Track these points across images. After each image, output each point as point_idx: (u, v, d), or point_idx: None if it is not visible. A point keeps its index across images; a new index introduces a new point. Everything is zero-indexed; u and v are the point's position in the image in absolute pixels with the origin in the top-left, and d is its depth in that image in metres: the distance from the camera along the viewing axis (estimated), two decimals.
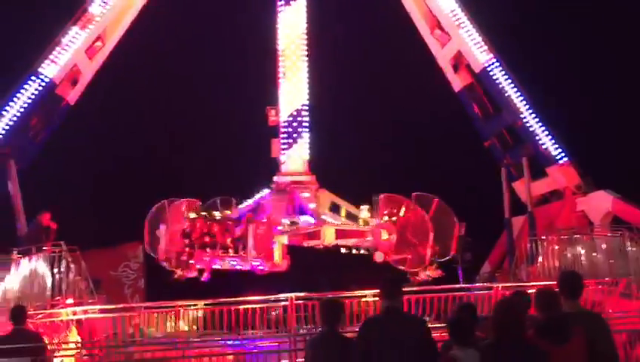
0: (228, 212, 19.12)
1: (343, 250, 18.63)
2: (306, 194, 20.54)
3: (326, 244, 18.42)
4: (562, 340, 5.56)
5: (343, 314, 6.76)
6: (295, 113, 20.87)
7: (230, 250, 18.39)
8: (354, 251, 18.62)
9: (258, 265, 18.31)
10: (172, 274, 18.19)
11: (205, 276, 18.32)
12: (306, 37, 21.23)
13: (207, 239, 18.30)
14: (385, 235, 18.02)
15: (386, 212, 18.20)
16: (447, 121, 26.37)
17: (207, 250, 18.24)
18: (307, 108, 21.01)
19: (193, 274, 18.19)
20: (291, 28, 21.13)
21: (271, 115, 21.12)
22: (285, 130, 20.92)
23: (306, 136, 20.96)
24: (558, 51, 29.54)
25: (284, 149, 20.92)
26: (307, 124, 20.99)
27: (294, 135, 20.84)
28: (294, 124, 20.86)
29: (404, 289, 6.48)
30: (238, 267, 18.57)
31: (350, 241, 18.58)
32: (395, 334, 5.97)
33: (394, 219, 18.04)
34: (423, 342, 6.05)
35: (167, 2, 23.67)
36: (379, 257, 17.99)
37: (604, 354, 5.69)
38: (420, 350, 5.95)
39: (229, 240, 18.40)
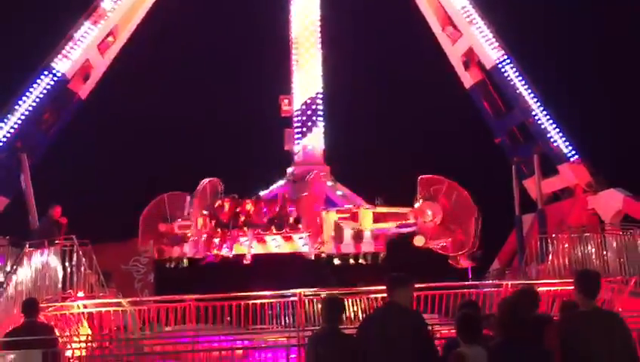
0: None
1: (336, 261, 18.20)
2: (330, 183, 19.91)
3: (362, 228, 17.78)
4: (538, 339, 5.68)
5: (344, 311, 6.85)
6: (309, 101, 20.17)
7: (273, 228, 17.74)
8: (351, 261, 18.17)
9: (304, 244, 17.69)
10: (200, 261, 17.91)
11: (248, 259, 17.67)
12: (319, 24, 20.60)
13: (241, 219, 17.71)
14: (429, 216, 17.14)
15: (420, 195, 17.45)
16: (458, 117, 26.28)
17: (246, 229, 17.63)
18: (322, 96, 20.28)
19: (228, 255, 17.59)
20: (305, 15, 20.52)
21: (284, 105, 20.41)
22: (299, 118, 20.16)
23: (321, 125, 20.22)
24: (570, 48, 29.38)
25: (298, 138, 20.19)
26: (322, 113, 20.25)
27: (309, 123, 20.14)
28: (309, 113, 20.15)
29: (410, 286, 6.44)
30: (275, 248, 17.88)
31: (389, 225, 17.88)
32: (390, 329, 6.02)
33: (434, 200, 17.34)
34: (417, 336, 6.08)
35: None
36: (419, 241, 17.19)
37: (622, 352, 5.74)
38: (414, 344, 5.98)
39: (265, 220, 17.83)
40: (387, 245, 18.46)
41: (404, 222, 17.81)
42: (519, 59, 22.31)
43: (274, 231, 17.84)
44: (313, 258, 18.11)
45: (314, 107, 20.23)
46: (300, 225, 17.83)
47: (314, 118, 20.24)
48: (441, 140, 28.34)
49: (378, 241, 18.29)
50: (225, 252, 17.86)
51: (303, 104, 20.23)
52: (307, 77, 20.29)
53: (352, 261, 18.25)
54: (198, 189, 17.88)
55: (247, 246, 17.73)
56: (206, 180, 18.17)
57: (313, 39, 20.49)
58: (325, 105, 20.61)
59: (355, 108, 27.22)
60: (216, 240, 17.81)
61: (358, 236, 17.95)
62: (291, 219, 18.00)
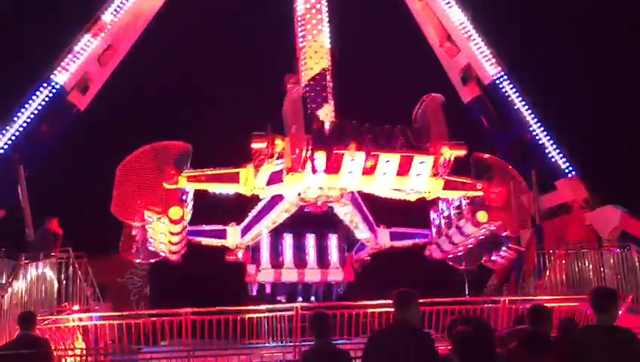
0: None
1: None
2: None
3: (430, 197, 15.20)
4: (539, 352, 5.79)
5: (331, 325, 6.85)
6: (318, 77, 18.77)
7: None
8: None
9: (418, 174, 13.96)
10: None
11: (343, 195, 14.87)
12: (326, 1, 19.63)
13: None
14: (496, 190, 15.15)
15: (476, 173, 15.60)
16: (456, 130, 26.23)
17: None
18: (330, 71, 18.98)
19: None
20: None
21: (290, 84, 18.59)
22: (307, 95, 18.35)
23: (331, 102, 18.68)
24: (568, 64, 29.52)
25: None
26: (331, 89, 18.83)
27: (318, 99, 18.52)
28: (317, 88, 18.64)
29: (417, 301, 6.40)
30: (382, 178, 13.85)
31: (458, 194, 15.54)
32: (397, 347, 5.97)
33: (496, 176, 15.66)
34: (425, 355, 6.05)
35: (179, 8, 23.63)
36: (482, 217, 15.06)
37: None
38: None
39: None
40: None
41: (471, 191, 15.34)
42: (517, 75, 22.46)
43: (393, 148, 13.77)
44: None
45: (323, 83, 18.78)
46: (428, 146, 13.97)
47: (323, 93, 18.72)
48: None
49: None
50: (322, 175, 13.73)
51: (311, 79, 18.76)
52: (314, 54, 18.86)
53: None
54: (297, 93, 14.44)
55: (349, 171, 13.65)
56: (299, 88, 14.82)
57: (320, 16, 19.33)
58: (335, 83, 19.26)
59: (365, 85, 26.66)
60: (321, 159, 13.45)
61: None
62: None
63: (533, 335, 6.69)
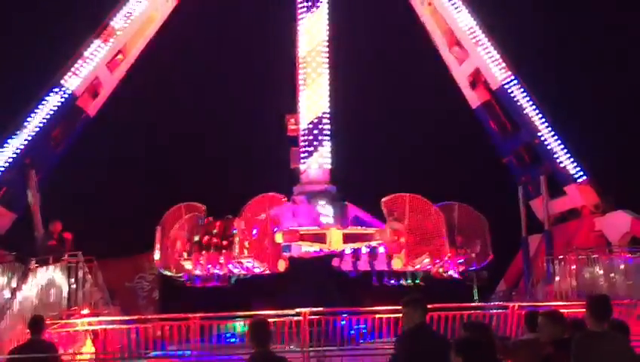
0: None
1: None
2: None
3: (332, 249, 17.60)
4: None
5: (272, 333, 7.05)
6: (316, 120, 19.98)
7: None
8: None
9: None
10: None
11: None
12: (327, 44, 20.50)
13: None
14: (393, 235, 17.44)
15: (391, 214, 17.73)
16: (465, 136, 26.26)
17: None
18: (328, 115, 20.11)
19: None
20: (312, 35, 20.42)
21: (290, 124, 20.27)
22: (305, 138, 19.94)
23: (327, 144, 19.98)
24: (577, 68, 29.40)
25: (304, 158, 19.94)
26: (328, 132, 20.04)
27: (315, 143, 19.89)
28: (315, 132, 19.90)
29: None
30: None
31: (358, 245, 17.94)
32: (430, 350, 6.25)
33: (397, 218, 17.67)
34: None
35: (187, 15, 23.84)
36: (397, 264, 17.32)
37: None
38: None
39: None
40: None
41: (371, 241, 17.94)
42: (526, 79, 22.36)
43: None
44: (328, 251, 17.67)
45: (320, 126, 19.96)
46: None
47: (320, 137, 19.99)
48: (448, 160, 28.28)
49: None
50: None
51: (309, 123, 19.98)
52: (314, 96, 20.04)
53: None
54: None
55: None
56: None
57: (321, 59, 20.33)
58: (333, 125, 20.27)
59: (363, 128, 27.14)
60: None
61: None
62: None
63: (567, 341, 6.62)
